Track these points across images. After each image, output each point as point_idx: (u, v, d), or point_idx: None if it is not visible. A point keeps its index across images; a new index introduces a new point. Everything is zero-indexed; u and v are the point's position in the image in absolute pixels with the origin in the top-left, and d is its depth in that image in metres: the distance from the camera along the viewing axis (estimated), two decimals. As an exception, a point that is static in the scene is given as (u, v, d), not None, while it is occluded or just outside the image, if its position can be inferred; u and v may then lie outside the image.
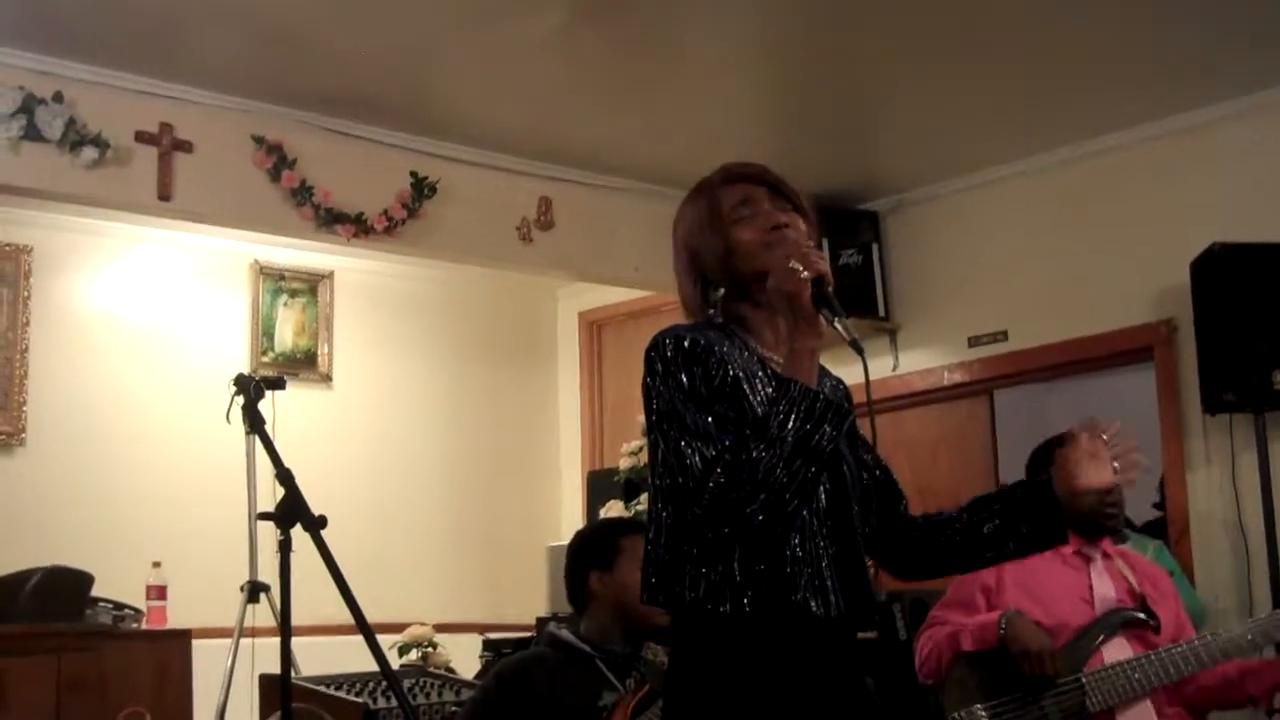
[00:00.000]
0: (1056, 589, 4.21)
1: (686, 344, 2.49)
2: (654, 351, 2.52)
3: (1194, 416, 6.25)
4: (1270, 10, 5.41)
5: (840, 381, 2.72)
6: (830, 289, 2.46)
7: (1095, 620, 4.14)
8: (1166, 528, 6.47)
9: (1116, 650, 4.10)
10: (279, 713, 3.81)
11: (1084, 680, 4.04)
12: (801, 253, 2.46)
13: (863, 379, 2.51)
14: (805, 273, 2.43)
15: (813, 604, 2.42)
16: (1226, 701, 4.26)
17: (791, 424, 2.35)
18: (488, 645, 6.69)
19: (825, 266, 2.46)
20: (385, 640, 3.99)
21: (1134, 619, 4.15)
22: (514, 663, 3.81)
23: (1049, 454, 4.37)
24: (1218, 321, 5.88)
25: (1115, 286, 6.60)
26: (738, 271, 2.60)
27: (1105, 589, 4.21)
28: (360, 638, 3.65)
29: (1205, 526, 6.24)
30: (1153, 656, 4.05)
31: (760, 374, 2.52)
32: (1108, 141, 6.65)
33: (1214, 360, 5.90)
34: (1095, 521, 4.23)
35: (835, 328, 2.44)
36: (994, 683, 4.09)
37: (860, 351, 2.44)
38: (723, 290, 2.62)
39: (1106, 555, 4.30)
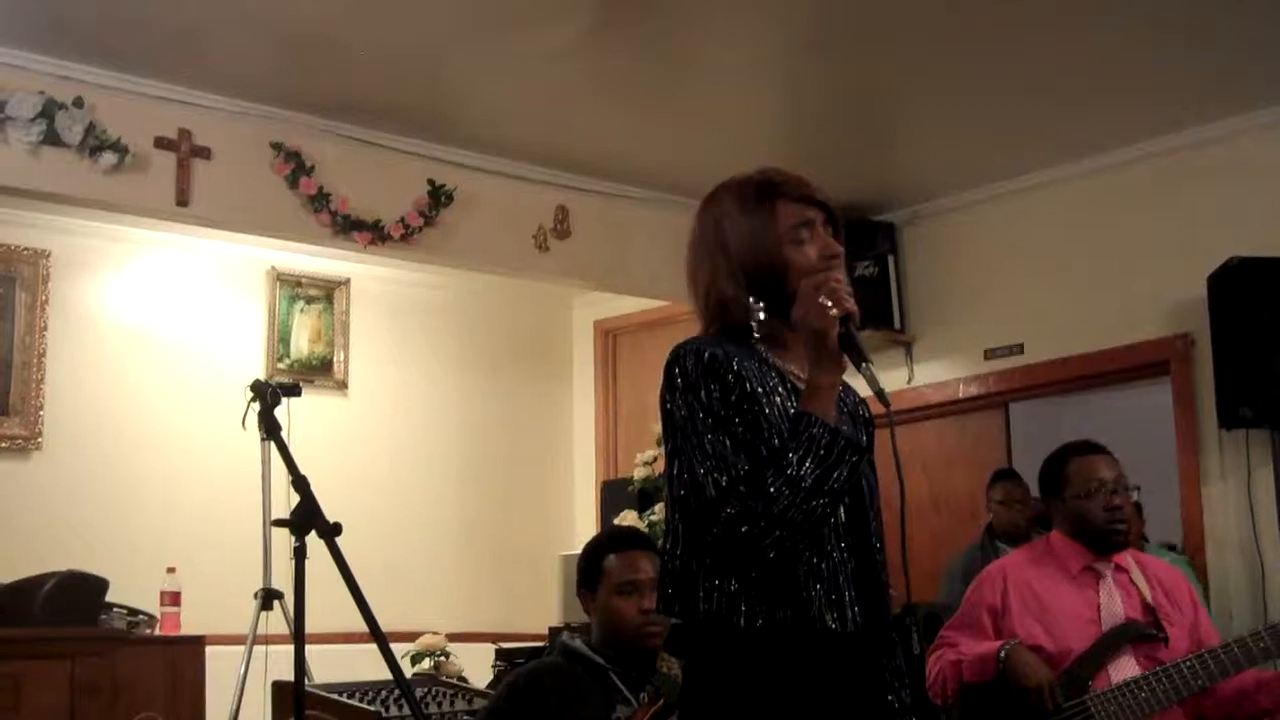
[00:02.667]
0: (1062, 611, 4.15)
1: (706, 358, 2.47)
2: (674, 365, 2.51)
3: (1210, 432, 6.24)
4: (1288, 26, 5.41)
5: (862, 401, 2.69)
6: (858, 329, 2.45)
7: (1100, 638, 4.09)
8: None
9: (1124, 668, 4.04)
10: (292, 720, 3.80)
11: (1089, 703, 4.00)
12: (831, 288, 2.44)
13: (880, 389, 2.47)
14: (834, 310, 2.42)
15: (829, 618, 2.41)
16: (1243, 714, 4.21)
17: (809, 463, 2.35)
18: (500, 655, 6.68)
19: (854, 305, 2.44)
20: (398, 649, 3.97)
21: (1142, 634, 4.10)
22: (526, 673, 3.79)
23: (1060, 464, 4.36)
24: (1235, 336, 5.87)
25: (1132, 300, 6.59)
26: (787, 292, 2.54)
27: (1114, 606, 4.14)
28: (374, 646, 3.64)
29: (1220, 542, 6.22)
30: (1159, 673, 3.98)
31: (780, 389, 2.51)
32: (1125, 154, 6.65)
33: (1231, 375, 5.89)
34: (1102, 537, 4.20)
35: (861, 375, 2.43)
36: (999, 710, 4.06)
37: (887, 404, 2.41)
38: (762, 304, 2.57)
39: (1120, 568, 4.23)
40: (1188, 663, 3.98)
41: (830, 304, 2.42)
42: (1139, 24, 5.38)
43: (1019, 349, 7.07)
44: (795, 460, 2.35)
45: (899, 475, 2.43)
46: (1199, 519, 6.32)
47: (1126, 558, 4.29)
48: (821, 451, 2.35)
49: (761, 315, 2.57)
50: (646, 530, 6.59)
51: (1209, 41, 5.55)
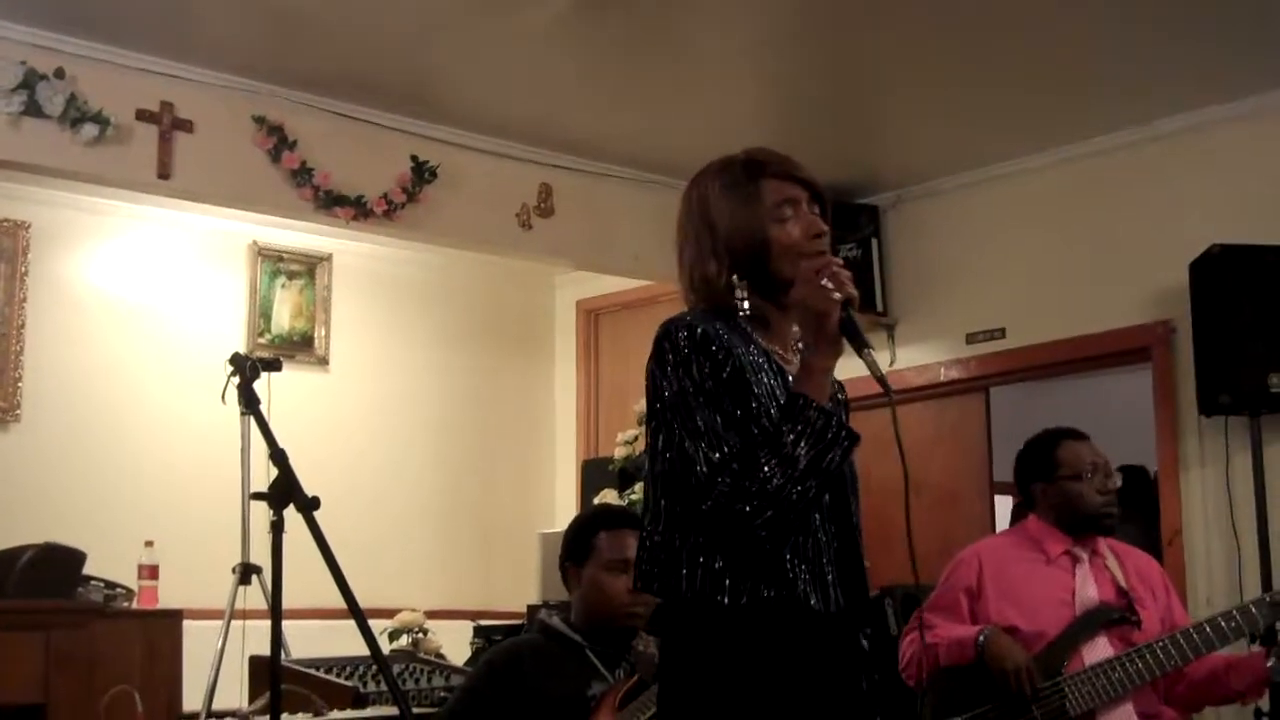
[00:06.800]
0: (1036, 594, 4.20)
1: (699, 334, 2.47)
2: (665, 340, 2.50)
3: (1189, 418, 6.25)
4: (1270, 14, 5.42)
5: (839, 384, 2.67)
6: (855, 313, 2.45)
7: (1074, 621, 4.13)
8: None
9: (1097, 650, 4.09)
10: (269, 695, 3.80)
11: (1063, 684, 4.04)
12: (833, 271, 2.45)
13: (860, 374, 2.47)
14: (836, 294, 2.43)
15: (813, 598, 2.42)
16: (1215, 697, 4.26)
17: (805, 445, 2.35)
18: (478, 632, 6.69)
19: (854, 290, 2.45)
20: (376, 625, 3.97)
21: (1115, 618, 4.14)
22: (504, 650, 3.80)
23: (1049, 448, 4.37)
24: (1215, 323, 5.88)
25: (1114, 286, 6.60)
26: (771, 270, 2.57)
27: (1088, 591, 4.19)
28: (351, 622, 3.64)
29: (1198, 528, 6.24)
30: (1133, 654, 4.04)
31: (766, 366, 2.51)
32: (1108, 141, 6.65)
33: (1211, 362, 5.90)
34: (1095, 520, 4.23)
35: (862, 360, 2.43)
36: (974, 692, 4.08)
37: (888, 390, 2.42)
38: (746, 282, 2.58)
39: (1097, 553, 4.29)
40: (1160, 643, 4.04)
41: (833, 287, 2.43)
42: (1122, 12, 5.38)
43: (1001, 333, 7.07)
44: (790, 441, 2.35)
45: (902, 459, 2.46)
46: (1177, 505, 6.34)
47: (1101, 544, 4.32)
48: (816, 434, 2.36)
49: (745, 295, 2.57)
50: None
51: (1192, 30, 5.55)
